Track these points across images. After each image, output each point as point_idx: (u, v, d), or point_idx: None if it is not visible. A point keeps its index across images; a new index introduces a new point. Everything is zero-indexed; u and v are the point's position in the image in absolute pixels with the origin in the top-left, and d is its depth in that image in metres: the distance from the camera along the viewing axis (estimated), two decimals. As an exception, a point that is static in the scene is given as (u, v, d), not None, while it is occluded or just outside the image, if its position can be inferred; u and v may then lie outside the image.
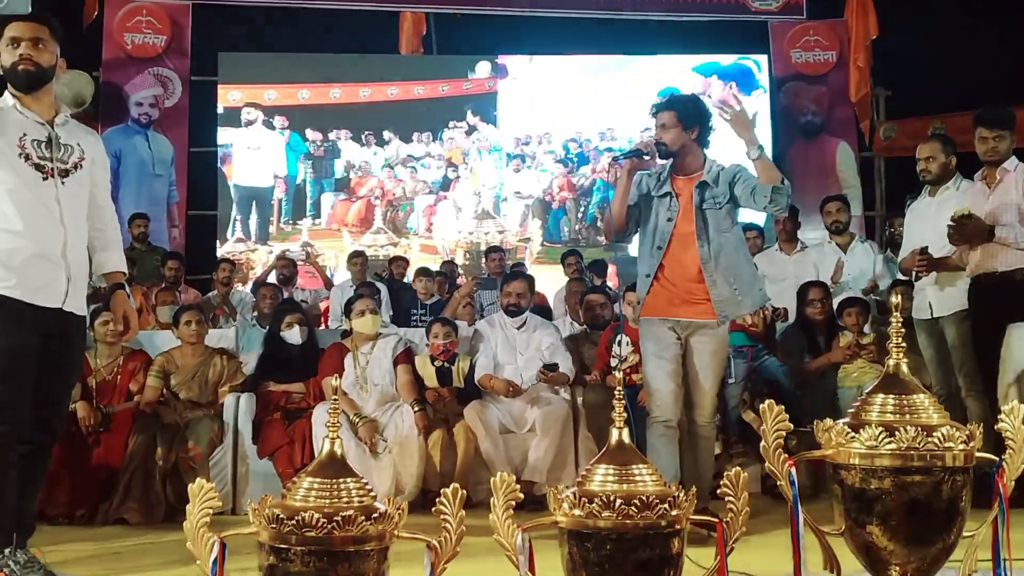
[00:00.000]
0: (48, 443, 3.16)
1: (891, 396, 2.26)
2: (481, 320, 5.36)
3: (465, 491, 4.07)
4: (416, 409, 4.64)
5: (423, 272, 7.25)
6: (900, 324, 2.30)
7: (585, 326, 5.58)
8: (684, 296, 3.81)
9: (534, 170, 10.22)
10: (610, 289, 6.97)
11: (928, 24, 10.09)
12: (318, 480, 2.08)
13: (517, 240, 10.08)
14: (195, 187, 9.87)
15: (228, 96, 9.96)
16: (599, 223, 3.95)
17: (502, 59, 10.33)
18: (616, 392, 2.30)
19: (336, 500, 2.04)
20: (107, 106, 9.50)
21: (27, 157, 3.01)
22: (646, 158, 3.92)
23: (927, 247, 4.43)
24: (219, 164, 9.91)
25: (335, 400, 2.22)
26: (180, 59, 9.83)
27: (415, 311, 7.04)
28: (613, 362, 5.08)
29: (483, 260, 8.55)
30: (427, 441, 4.61)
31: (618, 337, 4.99)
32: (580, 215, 10.22)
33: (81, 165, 3.14)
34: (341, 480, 2.08)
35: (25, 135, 3.03)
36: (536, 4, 10.28)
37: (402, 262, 8.06)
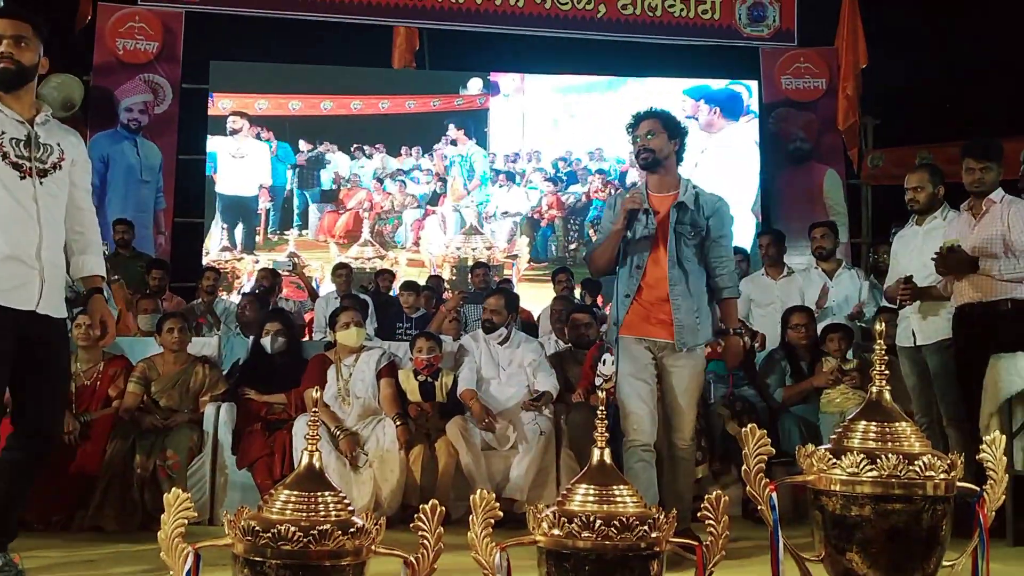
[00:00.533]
0: (38, 449, 3.10)
1: (873, 423, 2.26)
2: (466, 335, 5.35)
3: (444, 507, 4.05)
4: (398, 423, 4.62)
5: (409, 286, 7.24)
6: (884, 352, 2.31)
7: (570, 344, 5.58)
8: (658, 316, 3.77)
9: (523, 187, 10.23)
10: (596, 308, 6.96)
11: (917, 54, 10.18)
12: (295, 493, 2.06)
13: (504, 257, 10.07)
14: (183, 194, 9.81)
15: (219, 104, 9.94)
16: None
17: (494, 76, 10.35)
18: (599, 412, 2.29)
19: (313, 514, 2.02)
20: (96, 111, 9.45)
21: (4, 155, 2.97)
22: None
23: (911, 276, 4.45)
24: (207, 172, 9.85)
25: (315, 412, 2.20)
26: (171, 66, 9.80)
27: (400, 324, 7.02)
28: (598, 381, 5.07)
29: (469, 275, 8.55)
30: (408, 456, 4.59)
31: (603, 356, 4.98)
32: (570, 234, 10.23)
33: (61, 166, 3.09)
34: (319, 493, 2.05)
35: (4, 133, 2.99)
36: (529, 23, 10.33)
37: (388, 275, 8.04)
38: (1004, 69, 9.85)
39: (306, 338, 6.91)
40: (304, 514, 2.02)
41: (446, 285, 9.00)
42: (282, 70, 10.27)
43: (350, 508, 2.08)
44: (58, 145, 3.10)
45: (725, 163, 10.12)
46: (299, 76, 10.25)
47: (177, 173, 9.76)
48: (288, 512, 2.03)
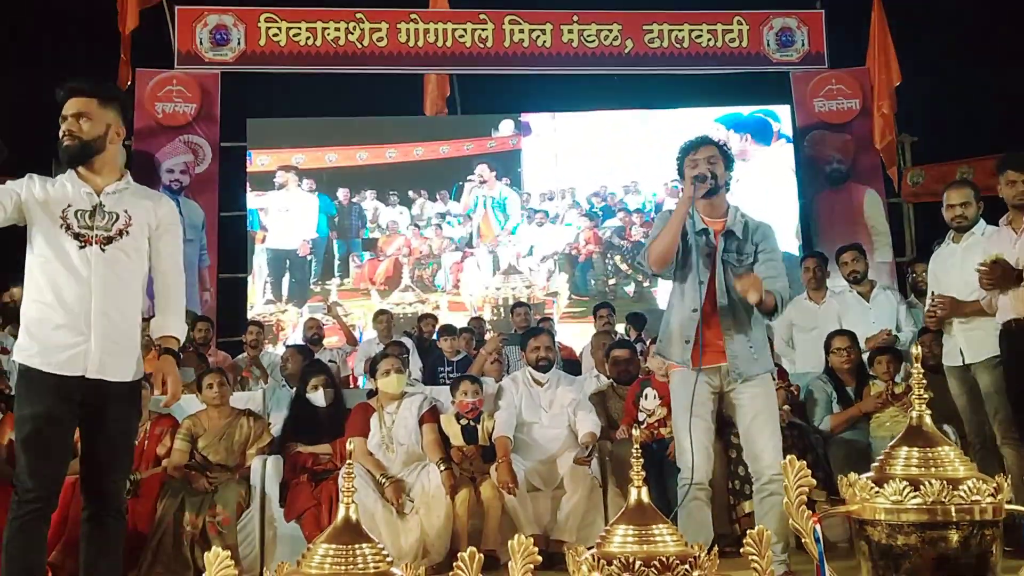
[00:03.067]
0: (101, 512, 3.12)
1: (915, 449, 2.20)
2: (506, 377, 5.34)
3: (494, 551, 4.02)
4: (442, 468, 4.62)
5: (447, 330, 7.26)
6: (921, 375, 2.26)
7: (612, 380, 5.55)
8: (717, 344, 3.68)
9: (559, 225, 10.26)
10: (641, 342, 6.93)
11: (951, 69, 10.10)
12: (333, 547, 2.05)
13: (544, 295, 10.08)
14: (225, 251, 10.00)
15: (257, 161, 10.13)
16: (639, 262, 3.78)
17: (525, 117, 10.45)
18: (634, 450, 2.27)
19: (352, 567, 2.01)
20: (139, 174, 9.57)
21: (68, 227, 3.07)
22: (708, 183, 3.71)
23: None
24: (249, 227, 10.03)
25: (349, 464, 2.20)
26: (210, 126, 10.03)
27: (442, 369, 7.04)
28: (641, 416, 5.04)
29: (510, 315, 8.57)
30: (454, 501, 4.58)
31: (644, 391, 4.95)
32: (608, 268, 10.22)
33: (128, 231, 3.15)
34: (356, 546, 2.05)
35: (69, 206, 3.09)
36: (558, 63, 10.44)
37: (431, 320, 8.08)
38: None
39: (352, 386, 6.96)
40: (343, 567, 2.01)
41: (487, 326, 9.02)
42: (317, 124, 10.48)
43: (388, 559, 2.07)
44: (124, 212, 3.15)
45: (761, 190, 10.06)
46: (334, 128, 10.44)
47: (219, 230, 9.95)
48: (327, 567, 2.02)
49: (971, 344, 4.43)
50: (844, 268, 5.96)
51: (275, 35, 10.24)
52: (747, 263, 3.73)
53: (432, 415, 4.91)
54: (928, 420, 2.27)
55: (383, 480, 4.60)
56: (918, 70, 10.13)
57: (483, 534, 4.52)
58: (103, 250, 3.09)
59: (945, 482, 2.08)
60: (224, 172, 10.09)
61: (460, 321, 8.39)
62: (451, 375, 6.57)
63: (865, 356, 5.27)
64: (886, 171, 10.33)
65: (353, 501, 2.16)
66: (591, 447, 4.75)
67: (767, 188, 10.17)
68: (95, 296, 3.06)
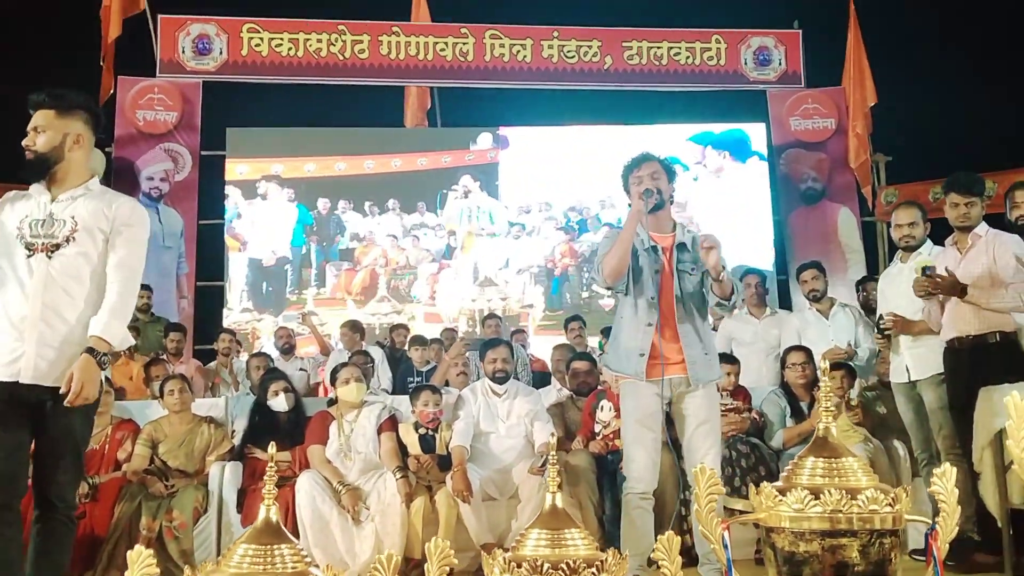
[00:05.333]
0: (45, 514, 3.13)
1: (821, 459, 2.28)
2: (466, 388, 5.40)
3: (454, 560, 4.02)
4: (398, 477, 4.67)
5: (417, 341, 7.31)
6: (828, 388, 2.34)
7: (571, 392, 5.61)
8: (670, 356, 3.76)
9: (535, 238, 10.34)
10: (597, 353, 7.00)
11: (926, 90, 10.25)
12: (253, 547, 2.11)
13: (520, 307, 10.14)
14: (204, 259, 10.05)
15: (236, 170, 10.20)
16: (592, 276, 3.75)
17: (503, 130, 10.54)
18: (550, 457, 2.34)
19: (270, 566, 2.07)
20: (119, 181, 9.71)
21: (22, 238, 3.12)
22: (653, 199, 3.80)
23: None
24: (224, 236, 10.10)
25: (271, 467, 2.26)
26: (190, 134, 10.10)
27: (412, 379, 7.09)
28: (597, 428, 5.11)
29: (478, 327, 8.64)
30: (409, 508, 4.63)
31: (600, 403, 5.02)
32: (584, 282, 10.30)
33: (74, 238, 3.16)
34: (276, 546, 2.11)
35: (26, 217, 3.14)
36: (538, 78, 10.56)
37: (403, 330, 8.12)
38: (1013, 101, 9.88)
39: (324, 395, 7.00)
40: (261, 567, 2.07)
41: (461, 336, 9.07)
42: (297, 134, 10.56)
43: (307, 560, 2.13)
44: (72, 218, 3.17)
45: (735, 207, 10.18)
46: (313, 139, 10.52)
47: (198, 238, 10.00)
48: (245, 566, 2.08)
49: (916, 361, 4.52)
50: (804, 286, 6.04)
51: (257, 45, 10.33)
52: (701, 272, 3.83)
53: (391, 424, 4.97)
54: (834, 431, 2.35)
55: (340, 488, 4.65)
56: (893, 91, 10.27)
57: (447, 543, 4.56)
58: (49, 257, 3.12)
59: (845, 492, 2.16)
60: (204, 180, 10.14)
61: (437, 333, 8.44)
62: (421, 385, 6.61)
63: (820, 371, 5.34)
64: (860, 190, 10.47)
65: (274, 503, 2.23)
66: (546, 457, 4.80)
67: (742, 206, 10.28)
68: (32, 303, 3.09)
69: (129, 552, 2.13)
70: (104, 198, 3.28)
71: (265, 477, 2.28)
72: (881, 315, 4.68)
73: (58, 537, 3.17)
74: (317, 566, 2.13)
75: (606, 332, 7.94)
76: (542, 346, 9.04)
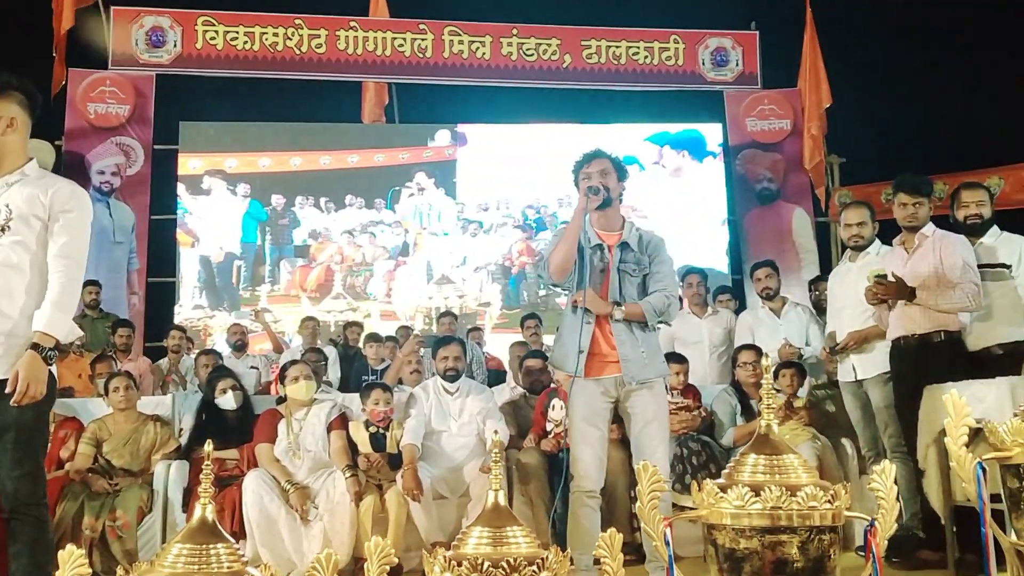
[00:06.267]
0: (10, 515, 3.03)
1: (762, 456, 2.28)
2: (418, 386, 5.36)
3: (396, 559, 4.01)
4: (348, 475, 4.62)
5: (372, 338, 7.26)
6: (771, 386, 2.35)
7: (524, 390, 5.60)
8: (607, 353, 3.77)
9: (493, 236, 10.32)
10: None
11: (880, 93, 10.38)
12: (187, 546, 2.06)
13: (477, 305, 10.12)
14: (155, 254, 9.91)
15: (188, 164, 10.06)
16: (539, 273, 3.74)
17: (461, 127, 10.51)
18: (493, 454, 2.32)
19: (205, 566, 2.03)
20: (69, 175, 9.41)
21: None
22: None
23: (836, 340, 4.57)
24: (178, 231, 9.95)
25: (207, 464, 2.22)
26: (143, 128, 9.95)
27: (366, 377, 7.03)
28: (549, 426, 5.10)
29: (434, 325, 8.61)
30: (359, 507, 4.58)
31: (551, 401, 5.02)
32: (540, 280, 10.29)
33: (9, 227, 3.06)
34: (211, 546, 2.07)
35: None
36: (496, 75, 10.53)
37: (356, 327, 8.06)
38: (965, 105, 10.04)
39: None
40: (196, 566, 2.03)
41: (416, 334, 9.02)
42: (252, 128, 10.43)
43: (244, 559, 2.09)
44: (7, 206, 3.07)
45: (691, 207, 10.24)
46: (269, 134, 10.40)
47: (150, 233, 9.85)
48: (180, 566, 2.04)
49: (863, 361, 4.57)
50: (758, 284, 6.09)
51: (212, 38, 10.19)
52: (643, 273, 3.84)
53: (341, 422, 4.91)
54: (775, 429, 2.36)
55: (288, 487, 4.60)
56: (848, 93, 10.39)
57: (388, 541, 4.52)
58: None
59: (785, 488, 2.17)
60: (156, 175, 9.99)
61: (392, 330, 8.39)
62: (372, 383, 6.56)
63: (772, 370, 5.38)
64: (814, 191, 10.57)
65: (210, 501, 2.18)
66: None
67: (698, 205, 10.35)
68: None
69: (60, 552, 2.09)
70: (41, 183, 3.15)
71: (201, 475, 2.24)
72: (834, 335, 4.73)
73: (25, 537, 3.04)
74: (265, 565, 2.09)
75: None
76: (499, 344, 9.03)
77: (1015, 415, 2.34)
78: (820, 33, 10.56)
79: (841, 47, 10.50)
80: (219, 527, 2.18)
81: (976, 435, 2.45)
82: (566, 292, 4.02)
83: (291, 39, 10.27)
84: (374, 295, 10.06)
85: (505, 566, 2.04)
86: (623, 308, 3.75)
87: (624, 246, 3.85)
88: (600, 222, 3.87)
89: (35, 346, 3.02)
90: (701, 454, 4.90)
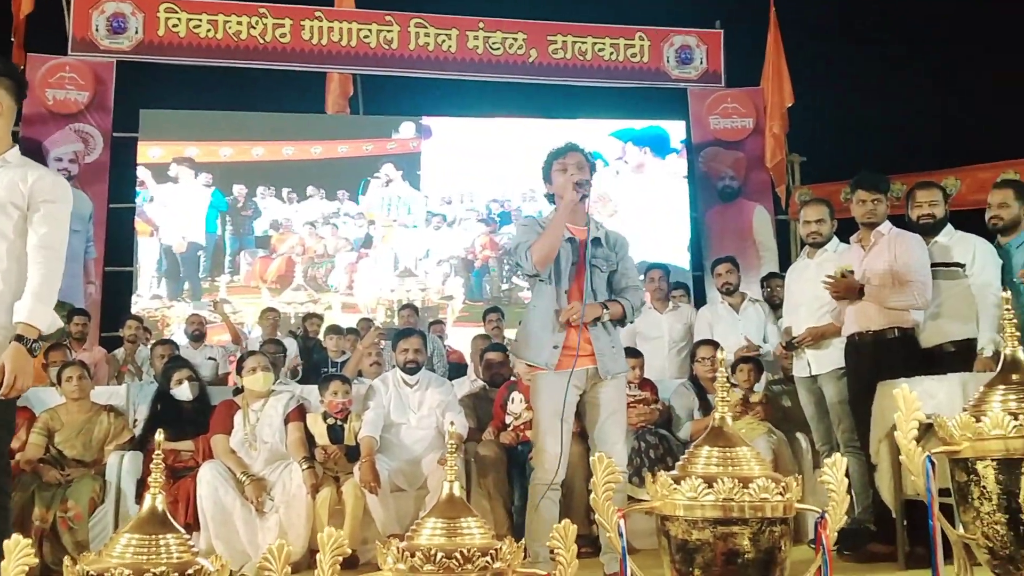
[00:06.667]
0: None
1: (716, 448, 2.30)
2: (377, 378, 5.33)
3: (354, 551, 4.00)
4: (304, 467, 4.59)
5: (333, 330, 7.22)
6: (726, 379, 2.37)
7: (484, 383, 5.60)
8: (582, 347, 3.77)
9: (456, 229, 10.30)
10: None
11: (841, 93, 10.49)
12: (136, 536, 2.04)
13: (439, 298, 10.10)
14: (113, 243, 9.77)
15: (148, 152, 9.93)
16: (516, 262, 3.79)
17: (426, 120, 10.47)
18: (449, 446, 2.32)
19: (154, 556, 2.01)
20: (25, 161, 9.38)
21: None
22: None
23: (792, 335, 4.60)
24: (136, 220, 9.83)
25: (158, 454, 2.19)
26: (102, 115, 9.79)
27: (326, 369, 6.99)
28: (508, 420, 5.10)
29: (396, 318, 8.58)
30: (315, 500, 4.55)
31: (511, 395, 5.02)
32: (504, 274, 10.30)
33: None
34: (160, 536, 2.04)
35: None
36: (462, 68, 10.50)
37: (316, 319, 8.02)
38: (925, 105, 10.19)
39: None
40: (145, 557, 2.01)
41: (377, 326, 8.98)
42: (214, 117, 10.31)
43: (194, 550, 2.07)
44: None
45: (654, 203, 10.30)
46: (231, 123, 10.29)
47: (108, 222, 9.71)
48: (128, 556, 2.01)
49: (818, 356, 4.63)
50: (718, 279, 6.15)
51: (175, 26, 10.06)
52: (610, 269, 3.89)
53: (298, 414, 4.88)
54: (729, 421, 2.38)
55: (244, 478, 4.55)
56: (810, 93, 10.49)
57: (343, 533, 4.50)
58: None
59: (737, 480, 2.19)
60: (115, 163, 9.84)
61: (354, 323, 8.35)
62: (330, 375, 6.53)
63: (729, 365, 5.43)
64: (775, 189, 10.67)
65: (160, 491, 2.16)
66: (456, 448, 4.77)
67: (661, 202, 10.41)
68: None
69: (5, 542, 2.05)
70: (21, 171, 3.07)
71: (151, 465, 2.21)
72: (790, 330, 4.79)
73: None
74: (216, 556, 2.07)
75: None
76: (461, 337, 9.02)
77: (964, 410, 2.38)
78: (783, 33, 10.66)
79: (804, 48, 10.60)
80: (169, 517, 2.15)
81: (927, 430, 2.48)
82: (528, 288, 4.04)
83: (255, 28, 10.16)
84: (335, 287, 10.00)
85: (459, 556, 2.05)
86: (610, 310, 3.79)
87: (596, 241, 3.88)
88: (570, 218, 3.88)
89: (19, 338, 2.96)
90: (659, 447, 4.93)
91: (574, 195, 3.75)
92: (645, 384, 5.31)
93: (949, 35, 10.24)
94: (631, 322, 4.03)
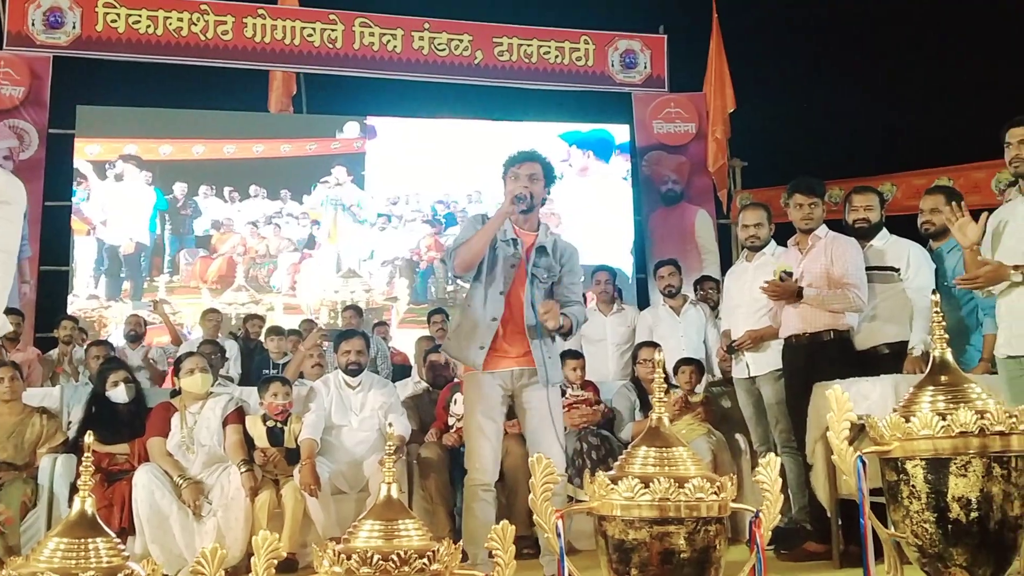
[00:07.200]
0: None
1: (653, 448, 2.32)
2: (319, 380, 5.28)
3: (293, 554, 3.97)
4: (243, 470, 4.53)
5: (274, 331, 7.15)
6: (663, 380, 2.39)
7: (428, 384, 5.58)
8: (517, 349, 3.79)
9: (401, 230, 10.25)
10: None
11: (782, 100, 10.67)
12: (65, 540, 2.00)
13: (384, 300, 10.04)
14: (49, 242, 9.54)
15: (86, 150, 9.71)
16: (442, 260, 3.80)
17: (371, 120, 10.40)
18: (388, 447, 2.30)
19: (83, 560, 1.97)
20: (-44, 157, 9.15)
21: None
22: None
23: (731, 338, 4.67)
24: (72, 219, 9.61)
25: (87, 456, 2.15)
26: (38, 111, 9.56)
27: (267, 371, 6.91)
28: (451, 421, 5.09)
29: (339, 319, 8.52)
30: (254, 503, 4.50)
31: (454, 396, 5.01)
32: (449, 276, 10.26)
33: None
34: (90, 540, 2.00)
35: None
36: (407, 68, 10.44)
37: (258, 320, 7.91)
38: (863, 112, 10.40)
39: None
40: (74, 561, 1.97)
41: (320, 327, 8.89)
42: (153, 114, 10.11)
43: (125, 554, 2.04)
44: None
45: (598, 206, 10.36)
46: (171, 120, 10.09)
47: (43, 220, 9.48)
48: (56, 560, 1.97)
49: (756, 358, 4.70)
50: (660, 282, 6.21)
51: (113, 21, 9.85)
52: (553, 280, 3.86)
53: (237, 416, 4.82)
54: (666, 422, 2.41)
55: (181, 481, 4.49)
56: (751, 98, 10.64)
57: (282, 537, 4.45)
58: None
59: (673, 480, 2.21)
60: (51, 160, 9.61)
61: (296, 324, 8.26)
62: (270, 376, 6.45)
63: (671, 366, 5.49)
64: (717, 193, 10.80)
65: (90, 494, 2.12)
66: (397, 450, 4.75)
67: (605, 205, 10.47)
68: None
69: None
70: None
71: (80, 468, 2.16)
72: (729, 333, 4.85)
73: None
74: (148, 560, 2.04)
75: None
76: (406, 339, 8.97)
77: (894, 411, 2.43)
78: (726, 40, 10.79)
79: (746, 54, 10.76)
80: (99, 521, 2.12)
81: (861, 431, 2.53)
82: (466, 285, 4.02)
83: (196, 24, 9.99)
84: (278, 288, 9.88)
85: (395, 559, 2.04)
86: (563, 326, 3.74)
87: (540, 249, 3.85)
88: (519, 220, 3.88)
89: None
90: (600, 448, 4.96)
91: (510, 207, 3.75)
92: (587, 385, 5.34)
93: (887, 45, 10.48)
94: (565, 339, 3.95)
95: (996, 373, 3.80)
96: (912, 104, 10.21)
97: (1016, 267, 3.57)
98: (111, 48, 9.80)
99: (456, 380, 5.31)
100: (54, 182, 9.62)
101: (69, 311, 8.94)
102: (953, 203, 3.86)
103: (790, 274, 4.44)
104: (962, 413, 2.25)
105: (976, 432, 2.22)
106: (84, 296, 9.46)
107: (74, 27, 9.75)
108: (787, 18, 10.97)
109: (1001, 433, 2.23)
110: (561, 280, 3.88)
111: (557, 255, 3.88)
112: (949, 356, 2.40)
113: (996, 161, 3.97)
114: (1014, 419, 2.25)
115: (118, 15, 9.84)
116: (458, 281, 10.02)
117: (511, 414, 3.97)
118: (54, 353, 7.01)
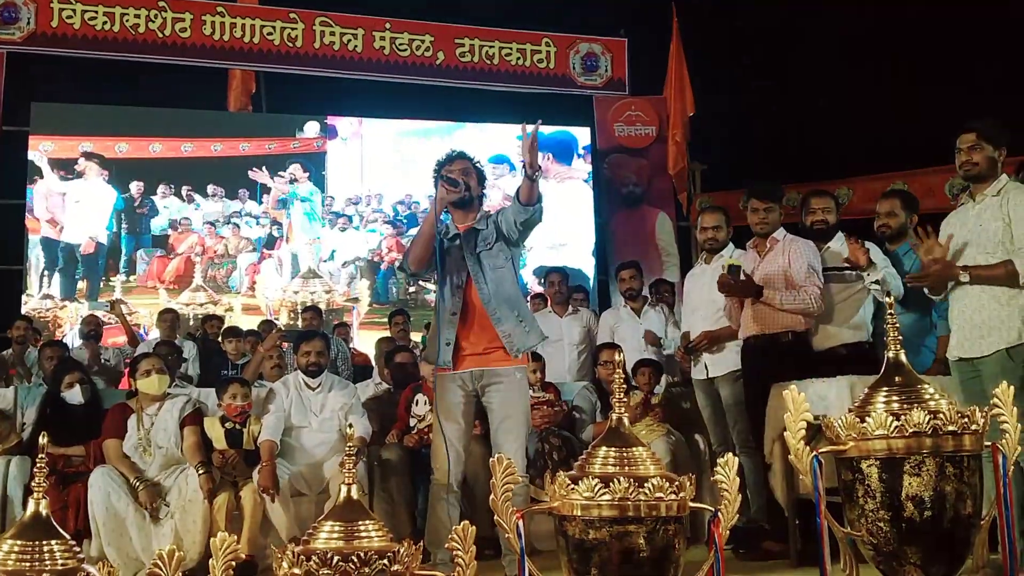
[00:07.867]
0: None
1: (613, 449, 2.35)
2: (278, 381, 5.25)
3: (252, 556, 3.94)
4: (201, 472, 4.48)
5: (232, 332, 7.08)
6: (622, 380, 2.41)
7: (389, 386, 5.57)
8: (481, 345, 3.79)
9: (362, 231, 10.21)
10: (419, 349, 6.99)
11: (741, 104, 10.78)
12: (19, 543, 1.98)
13: (344, 300, 9.99)
14: (2, 241, 9.37)
15: (40, 147, 9.55)
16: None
17: (331, 120, 10.34)
18: (347, 448, 2.30)
19: (38, 563, 1.95)
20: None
21: None
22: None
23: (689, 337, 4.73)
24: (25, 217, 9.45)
25: (41, 458, 2.12)
26: (-11, 108, 9.38)
27: (226, 372, 6.84)
28: (412, 422, 5.08)
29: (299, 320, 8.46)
30: (212, 505, 4.46)
31: (415, 397, 5.00)
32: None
33: None
34: (44, 543, 1.98)
35: None
36: (368, 68, 10.38)
37: (216, 321, 7.84)
38: (820, 116, 10.53)
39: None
40: (28, 563, 1.95)
41: (279, 328, 8.82)
42: (110, 112, 9.95)
43: (79, 556, 2.02)
44: None
45: (560, 208, 10.38)
46: (128, 118, 9.94)
47: (-4, 218, 9.32)
48: (10, 563, 1.95)
49: (715, 359, 4.75)
50: (622, 284, 6.25)
51: (69, 17, 9.68)
52: (494, 244, 3.86)
53: (195, 418, 4.76)
54: (626, 422, 2.43)
55: (137, 483, 4.43)
56: (710, 102, 10.73)
57: (240, 540, 4.42)
58: None
59: (633, 480, 2.23)
60: (5, 158, 9.43)
61: (255, 325, 8.18)
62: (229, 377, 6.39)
63: (630, 367, 5.52)
64: (677, 196, 10.88)
65: (44, 497, 2.09)
66: (358, 451, 4.73)
67: (566, 207, 10.51)
68: None
69: None
70: None
71: (35, 469, 2.14)
72: (688, 334, 4.90)
73: None
74: (103, 563, 2.02)
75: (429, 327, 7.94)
76: (367, 340, 8.94)
77: (850, 411, 2.47)
78: (685, 43, 10.87)
79: (705, 58, 10.85)
80: (54, 523, 2.09)
81: (818, 431, 2.56)
82: (433, 289, 4.04)
83: (154, 21, 9.84)
84: (236, 288, 9.79)
85: (355, 560, 2.04)
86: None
87: (470, 232, 3.88)
88: (459, 218, 3.93)
89: None
90: (562, 449, 4.97)
91: (443, 192, 3.77)
92: (548, 386, 5.36)
93: (844, 50, 10.62)
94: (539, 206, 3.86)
95: (949, 374, 3.88)
96: (868, 109, 10.35)
97: (964, 268, 3.67)
98: (66, 44, 9.62)
99: (417, 382, 5.30)
100: (7, 180, 9.45)
101: (23, 311, 8.79)
102: (919, 227, 3.93)
103: (739, 268, 4.48)
104: (916, 413, 2.30)
105: (929, 432, 2.27)
106: (38, 296, 9.30)
107: (28, 23, 9.57)
108: (746, 23, 11.07)
109: (954, 433, 2.28)
110: (502, 220, 3.85)
111: (489, 222, 3.90)
112: (903, 357, 2.45)
113: (950, 166, 4.04)
114: (966, 419, 2.30)
115: (74, 11, 9.68)
116: (419, 282, 10.01)
117: (481, 414, 3.96)
118: (7, 354, 6.89)
